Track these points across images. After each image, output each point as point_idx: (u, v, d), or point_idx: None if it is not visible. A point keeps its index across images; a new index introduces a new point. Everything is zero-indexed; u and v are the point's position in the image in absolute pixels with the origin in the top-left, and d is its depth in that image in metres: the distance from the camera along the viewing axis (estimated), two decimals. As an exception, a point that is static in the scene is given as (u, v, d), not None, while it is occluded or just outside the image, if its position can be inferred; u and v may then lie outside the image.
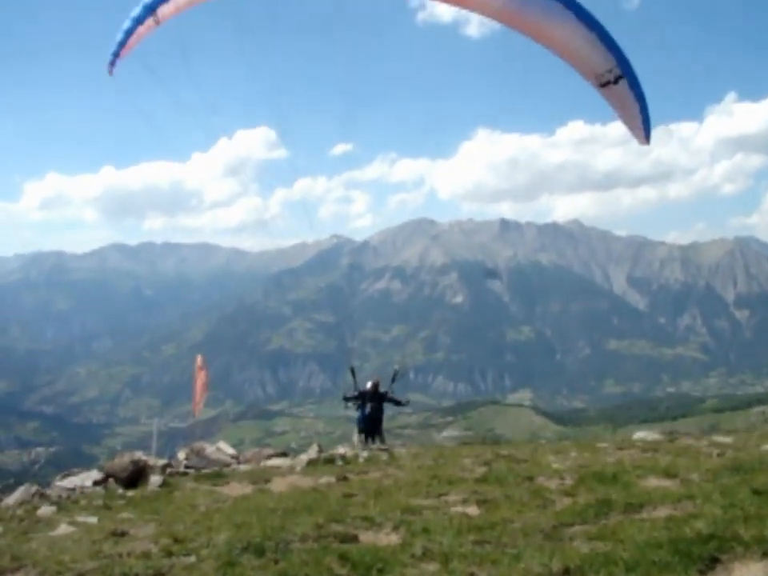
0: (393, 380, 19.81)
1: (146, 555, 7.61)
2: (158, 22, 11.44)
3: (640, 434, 16.21)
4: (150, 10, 11.17)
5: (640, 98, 7.91)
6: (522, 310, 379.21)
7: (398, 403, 20.02)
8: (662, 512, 8.02)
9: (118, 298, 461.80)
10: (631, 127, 9.03)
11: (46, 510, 11.57)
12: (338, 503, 10.02)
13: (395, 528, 8.22)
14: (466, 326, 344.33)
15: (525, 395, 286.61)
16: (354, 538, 7.86)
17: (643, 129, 8.56)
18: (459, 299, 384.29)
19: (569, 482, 10.52)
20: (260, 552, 7.36)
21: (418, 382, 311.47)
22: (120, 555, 7.74)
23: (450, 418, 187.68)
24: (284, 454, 17.42)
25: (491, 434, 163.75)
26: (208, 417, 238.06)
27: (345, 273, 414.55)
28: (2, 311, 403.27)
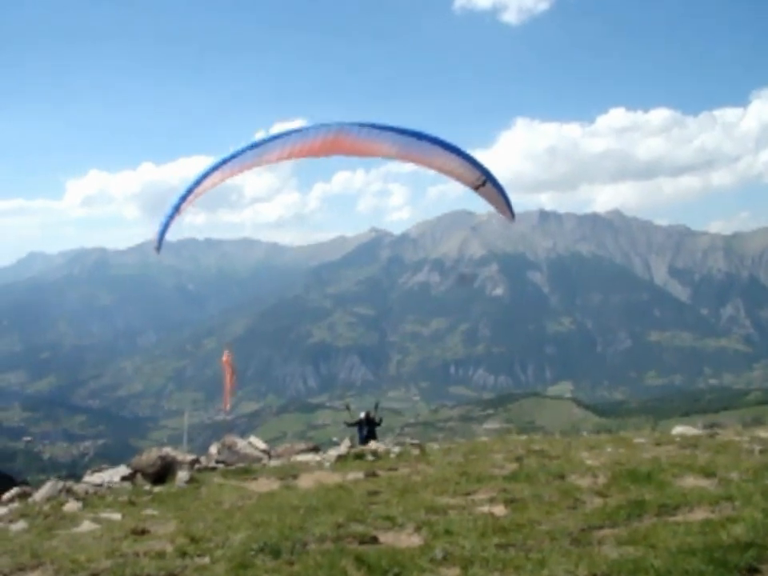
0: (375, 408, 23.00)
1: (161, 555, 7.47)
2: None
3: (679, 429, 15.72)
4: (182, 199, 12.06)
5: (501, 190, 10.46)
6: (562, 302, 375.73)
7: (378, 424, 22.48)
8: (698, 515, 7.64)
9: (160, 292, 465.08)
10: (502, 211, 11.36)
11: (72, 505, 11.52)
12: (361, 501, 9.77)
13: (417, 529, 7.94)
14: (506, 318, 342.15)
15: (565, 387, 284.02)
16: (374, 540, 7.60)
17: (509, 209, 11.17)
18: (499, 291, 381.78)
19: (601, 480, 10.12)
20: (276, 553, 7.14)
21: (459, 375, 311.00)
22: (136, 554, 7.64)
23: (490, 411, 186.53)
24: (316, 449, 17.23)
25: (531, 426, 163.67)
26: (251, 410, 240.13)
27: (384, 266, 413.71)
28: (49, 308, 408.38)
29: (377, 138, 10.56)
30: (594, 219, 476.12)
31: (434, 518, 8.32)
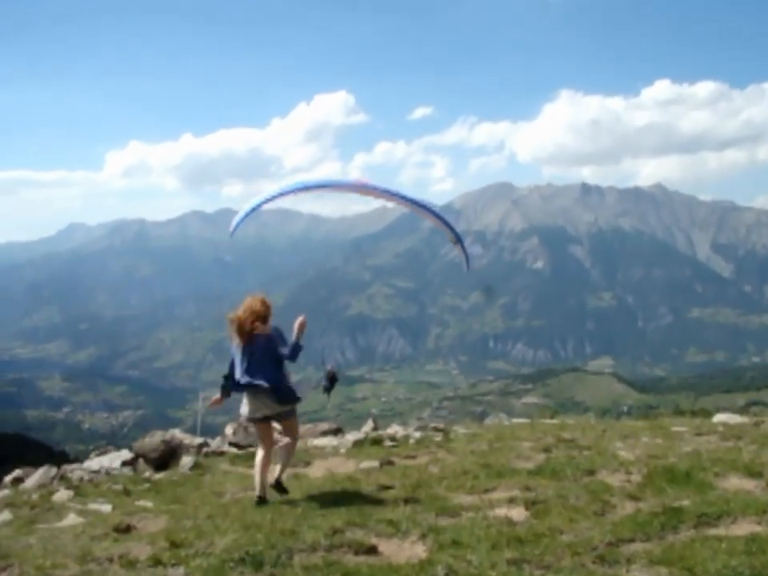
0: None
1: (133, 563, 6.67)
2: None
3: (722, 417, 14.64)
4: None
5: (465, 251, 11.58)
6: (603, 276, 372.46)
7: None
8: (743, 527, 6.62)
9: (199, 264, 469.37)
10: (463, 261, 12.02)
11: (61, 495, 10.78)
12: (368, 498, 8.91)
13: (423, 536, 7.00)
14: (547, 293, 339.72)
15: (605, 362, 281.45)
16: (371, 550, 6.71)
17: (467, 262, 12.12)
18: (539, 265, 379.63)
19: (635, 477, 9.12)
20: (257, 565, 6.31)
21: (498, 349, 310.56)
22: (110, 560, 6.83)
23: (530, 386, 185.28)
24: (338, 431, 16.42)
25: (571, 401, 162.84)
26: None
27: (425, 237, 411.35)
28: (89, 278, 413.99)
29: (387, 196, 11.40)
30: (636, 193, 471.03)
31: (444, 524, 7.40)
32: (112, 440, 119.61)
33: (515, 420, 18.71)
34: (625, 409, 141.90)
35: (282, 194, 11.32)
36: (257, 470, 9.29)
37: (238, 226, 11.82)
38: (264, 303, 9.62)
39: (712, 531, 6.59)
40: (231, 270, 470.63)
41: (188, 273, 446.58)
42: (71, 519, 9.05)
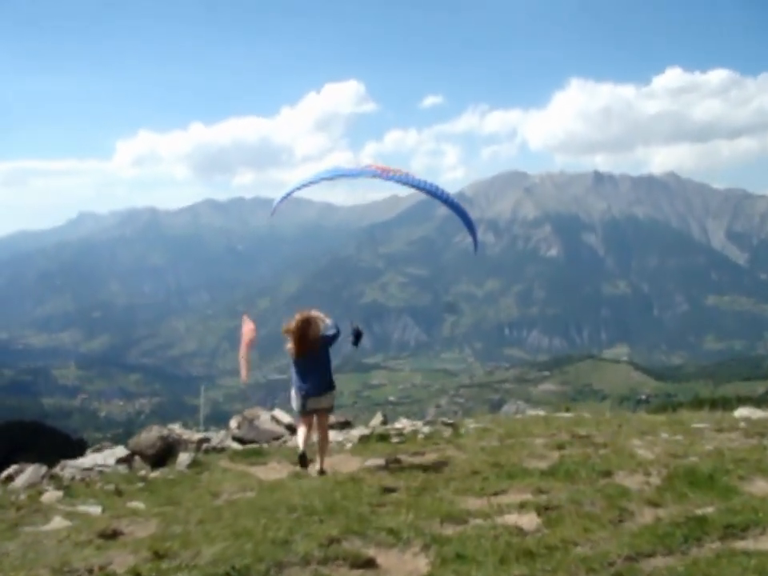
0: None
1: (111, 577, 6.18)
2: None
3: (743, 411, 14.02)
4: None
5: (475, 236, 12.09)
6: (617, 264, 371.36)
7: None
8: (773, 540, 6.06)
9: (211, 252, 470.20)
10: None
11: (50, 495, 10.35)
12: (369, 502, 8.29)
13: (425, 548, 6.42)
14: (561, 280, 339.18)
15: (621, 350, 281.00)
16: (369, 563, 6.16)
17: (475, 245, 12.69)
18: (553, 252, 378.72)
19: (654, 480, 8.50)
20: (244, 580, 5.81)
21: (513, 336, 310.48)
22: (89, 571, 6.36)
23: (546, 373, 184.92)
24: (348, 423, 15.93)
25: (588, 388, 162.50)
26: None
27: (438, 225, 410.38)
28: (101, 267, 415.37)
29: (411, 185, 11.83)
30: (649, 181, 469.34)
31: (449, 533, 6.82)
32: (129, 427, 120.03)
33: (530, 412, 18.20)
34: (643, 397, 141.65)
35: (321, 179, 12.15)
36: (300, 440, 11.09)
37: (277, 206, 13.33)
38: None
39: (739, 544, 5.99)
40: (243, 259, 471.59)
41: (200, 262, 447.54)
42: (57, 522, 8.62)
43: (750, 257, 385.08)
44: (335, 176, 12.25)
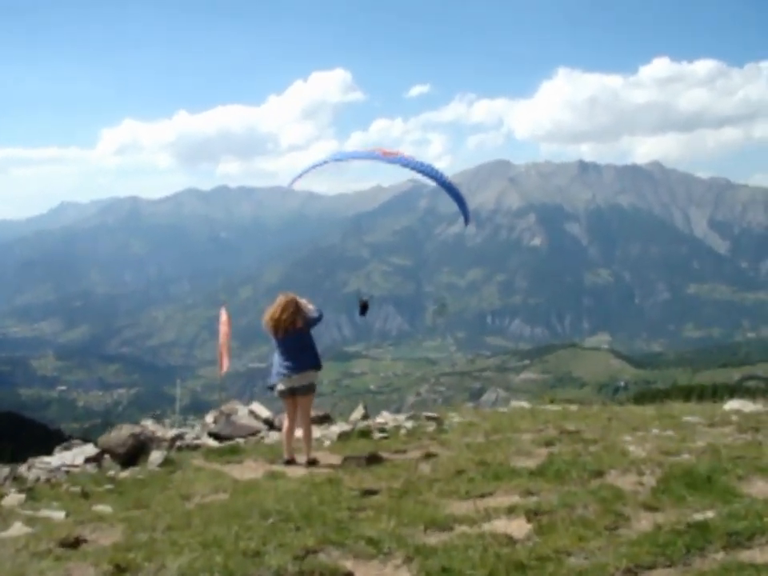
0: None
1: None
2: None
3: (734, 404, 13.59)
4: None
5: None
6: (600, 253, 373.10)
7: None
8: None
9: (193, 242, 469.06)
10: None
11: (12, 498, 9.73)
12: (348, 506, 7.79)
13: (408, 560, 5.93)
14: (544, 270, 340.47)
15: (603, 339, 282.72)
16: (347, 577, 5.69)
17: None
18: (537, 242, 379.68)
19: (649, 480, 8.03)
20: (210, 599, 5.33)
21: (495, 325, 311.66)
22: (44, 589, 5.89)
23: (527, 361, 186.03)
24: (327, 418, 15.41)
25: (568, 376, 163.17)
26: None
27: (421, 216, 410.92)
28: (82, 256, 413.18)
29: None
30: (633, 171, 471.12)
31: (433, 542, 6.33)
32: (107, 418, 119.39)
33: (514, 403, 17.72)
34: (622, 384, 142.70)
35: (336, 160, 12.45)
36: (284, 440, 11.40)
37: (294, 181, 13.20)
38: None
39: (745, 554, 5.53)
40: (226, 248, 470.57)
41: (182, 250, 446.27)
42: (16, 529, 8.07)
43: (732, 245, 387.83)
44: (347, 158, 13.03)
